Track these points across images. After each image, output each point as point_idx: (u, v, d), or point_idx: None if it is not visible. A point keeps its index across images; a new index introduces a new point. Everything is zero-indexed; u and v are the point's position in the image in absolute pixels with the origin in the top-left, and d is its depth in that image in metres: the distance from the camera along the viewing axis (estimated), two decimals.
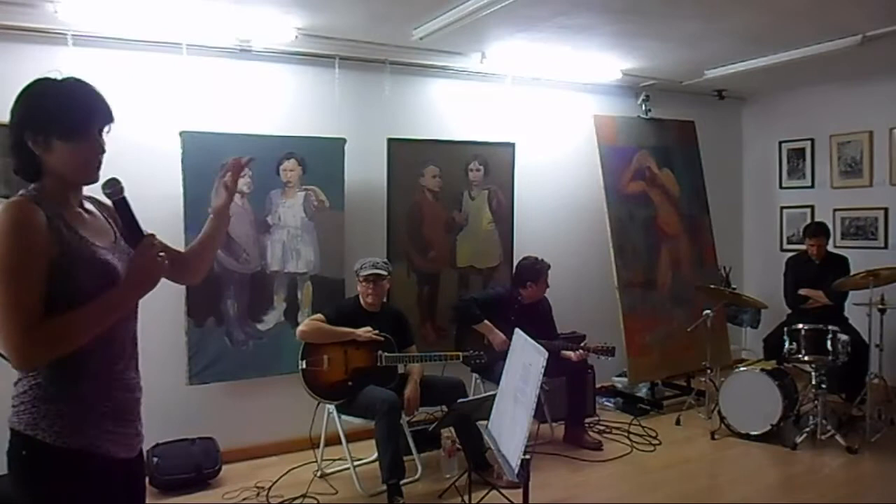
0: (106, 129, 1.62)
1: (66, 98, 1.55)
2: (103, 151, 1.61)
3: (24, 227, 1.47)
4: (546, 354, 2.39)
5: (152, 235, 1.63)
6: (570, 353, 4.57)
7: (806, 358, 4.55)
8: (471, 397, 4.18)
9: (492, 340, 4.47)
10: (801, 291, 5.30)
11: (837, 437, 4.39)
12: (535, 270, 4.68)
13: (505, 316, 4.52)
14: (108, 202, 1.69)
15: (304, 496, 3.85)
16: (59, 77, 1.57)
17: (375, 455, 3.85)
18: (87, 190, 1.71)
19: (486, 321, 4.50)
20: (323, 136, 4.58)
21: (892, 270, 4.63)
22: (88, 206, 1.70)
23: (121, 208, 1.62)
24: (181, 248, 1.93)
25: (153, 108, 4.16)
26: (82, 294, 1.51)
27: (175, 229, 4.05)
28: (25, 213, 1.48)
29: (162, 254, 1.63)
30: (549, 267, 4.69)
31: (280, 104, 4.60)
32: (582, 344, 4.78)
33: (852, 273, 4.95)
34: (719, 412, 4.74)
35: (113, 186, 1.62)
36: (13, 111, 1.56)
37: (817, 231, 5.31)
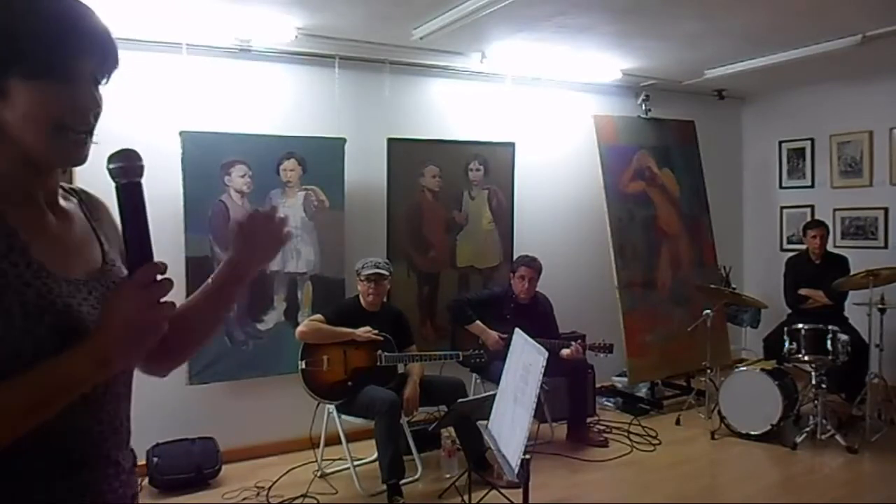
0: (104, 76, 0.98)
1: (36, 11, 0.90)
2: (98, 108, 0.96)
3: None
4: (546, 354, 2.40)
5: (159, 265, 0.95)
6: (566, 351, 4.57)
7: (806, 358, 4.55)
8: (471, 397, 4.18)
9: (485, 340, 4.48)
10: (801, 291, 5.31)
11: (837, 437, 4.39)
12: (514, 262, 4.76)
13: (500, 315, 4.54)
14: (96, 200, 1.14)
15: (304, 496, 3.85)
16: None
17: (375, 455, 3.85)
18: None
19: (477, 321, 4.52)
20: (323, 135, 4.58)
21: (892, 270, 4.63)
22: (67, 203, 1.06)
23: (128, 200, 0.96)
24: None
25: (153, 108, 4.16)
26: (15, 359, 0.88)
27: (175, 230, 4.06)
28: None
29: (166, 301, 0.95)
30: (531, 261, 4.66)
31: (280, 104, 4.60)
32: (577, 341, 4.78)
33: (852, 273, 4.95)
34: (719, 412, 4.74)
35: (127, 160, 0.96)
36: None
37: (818, 222, 5.37)
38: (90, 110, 0.94)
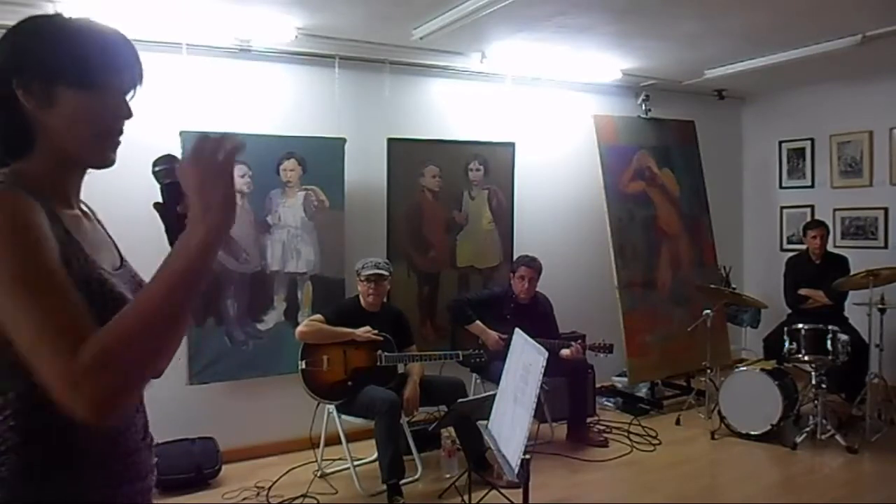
0: (131, 90, 1.11)
1: (81, 34, 1.06)
2: (130, 117, 1.10)
3: (26, 226, 0.94)
4: (546, 354, 2.40)
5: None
6: (566, 351, 4.56)
7: (806, 358, 4.55)
8: (471, 397, 4.18)
9: (485, 340, 4.48)
10: (801, 291, 5.31)
11: (837, 437, 4.39)
12: (514, 262, 4.76)
13: (500, 315, 4.54)
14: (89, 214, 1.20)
15: (304, 496, 3.85)
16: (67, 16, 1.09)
17: (375, 455, 3.85)
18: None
19: (477, 322, 4.52)
20: (323, 136, 4.58)
21: (892, 270, 4.63)
22: (84, 208, 1.18)
23: (171, 198, 1.05)
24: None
25: (153, 107, 4.15)
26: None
27: None
28: (22, 209, 0.95)
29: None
30: (531, 261, 4.66)
31: (280, 104, 4.60)
32: (577, 341, 4.78)
33: (852, 273, 4.95)
34: (719, 412, 4.74)
35: (171, 163, 1.06)
36: None
37: (818, 222, 5.38)
38: (124, 118, 1.09)
